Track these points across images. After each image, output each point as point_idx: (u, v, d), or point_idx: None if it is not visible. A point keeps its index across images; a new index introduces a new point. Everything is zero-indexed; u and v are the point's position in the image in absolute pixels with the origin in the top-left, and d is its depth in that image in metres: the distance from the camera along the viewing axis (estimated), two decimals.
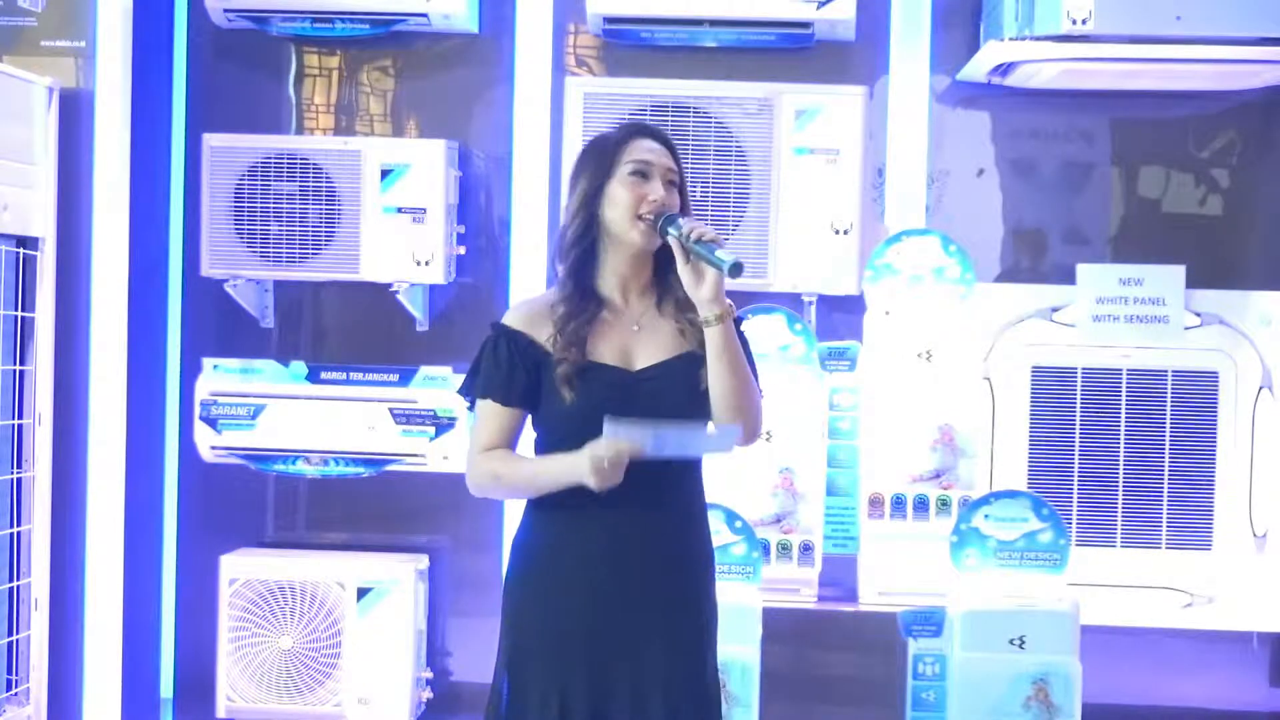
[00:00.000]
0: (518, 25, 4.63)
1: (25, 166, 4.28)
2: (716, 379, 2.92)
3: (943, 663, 4.11)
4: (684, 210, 3.01)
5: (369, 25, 4.56)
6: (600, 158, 3.01)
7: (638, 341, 2.98)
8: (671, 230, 2.90)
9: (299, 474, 4.59)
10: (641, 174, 2.97)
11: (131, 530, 4.55)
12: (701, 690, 3.01)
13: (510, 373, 2.99)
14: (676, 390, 2.93)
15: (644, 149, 2.99)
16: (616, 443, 2.81)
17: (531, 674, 3.00)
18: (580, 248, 3.00)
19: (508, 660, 3.05)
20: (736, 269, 2.82)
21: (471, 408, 3.05)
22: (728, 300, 2.90)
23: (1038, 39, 4.13)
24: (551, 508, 2.99)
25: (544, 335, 2.99)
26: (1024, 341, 4.45)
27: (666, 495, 2.98)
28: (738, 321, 3.04)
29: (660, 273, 3.04)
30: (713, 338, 2.90)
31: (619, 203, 2.96)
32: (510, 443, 3.03)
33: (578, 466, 2.86)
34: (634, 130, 3.05)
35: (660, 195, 2.95)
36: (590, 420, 2.91)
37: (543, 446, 3.03)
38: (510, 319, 3.05)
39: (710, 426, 2.93)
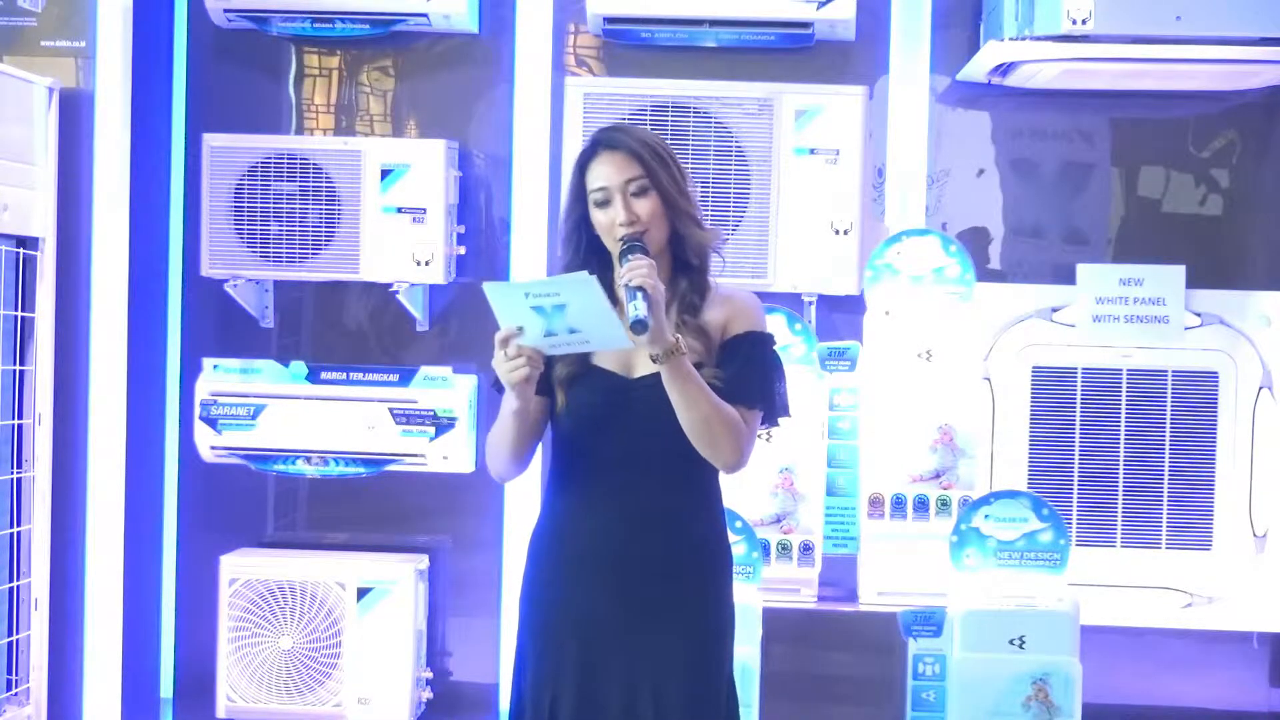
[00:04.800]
0: (518, 25, 4.63)
1: (25, 166, 4.28)
2: (677, 412, 2.87)
3: (943, 663, 4.11)
4: (670, 205, 2.93)
5: (369, 25, 4.56)
6: (574, 185, 2.98)
7: (641, 349, 2.97)
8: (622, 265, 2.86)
9: (299, 474, 4.59)
10: (604, 202, 2.94)
11: (131, 530, 4.55)
12: (699, 694, 2.99)
13: None
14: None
15: (596, 175, 2.94)
16: (507, 330, 2.79)
17: (530, 665, 3.03)
18: (575, 268, 2.97)
19: (515, 650, 3.08)
20: (636, 326, 2.74)
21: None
22: (672, 338, 2.82)
23: (1038, 39, 4.13)
24: (559, 500, 3.02)
25: None
26: (1024, 341, 4.45)
27: (673, 495, 2.98)
28: (770, 341, 3.02)
29: (673, 280, 3.00)
30: (664, 374, 2.85)
31: (601, 231, 2.96)
32: None
33: (503, 375, 2.84)
34: (591, 150, 2.97)
35: (623, 218, 2.90)
36: (584, 423, 2.96)
37: (554, 443, 3.06)
38: None
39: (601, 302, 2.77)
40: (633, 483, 2.95)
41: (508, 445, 2.95)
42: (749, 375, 2.96)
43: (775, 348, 3.05)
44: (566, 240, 3.03)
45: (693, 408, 2.86)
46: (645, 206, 2.93)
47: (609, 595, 2.96)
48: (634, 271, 2.81)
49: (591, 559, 2.96)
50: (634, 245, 2.88)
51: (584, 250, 3.00)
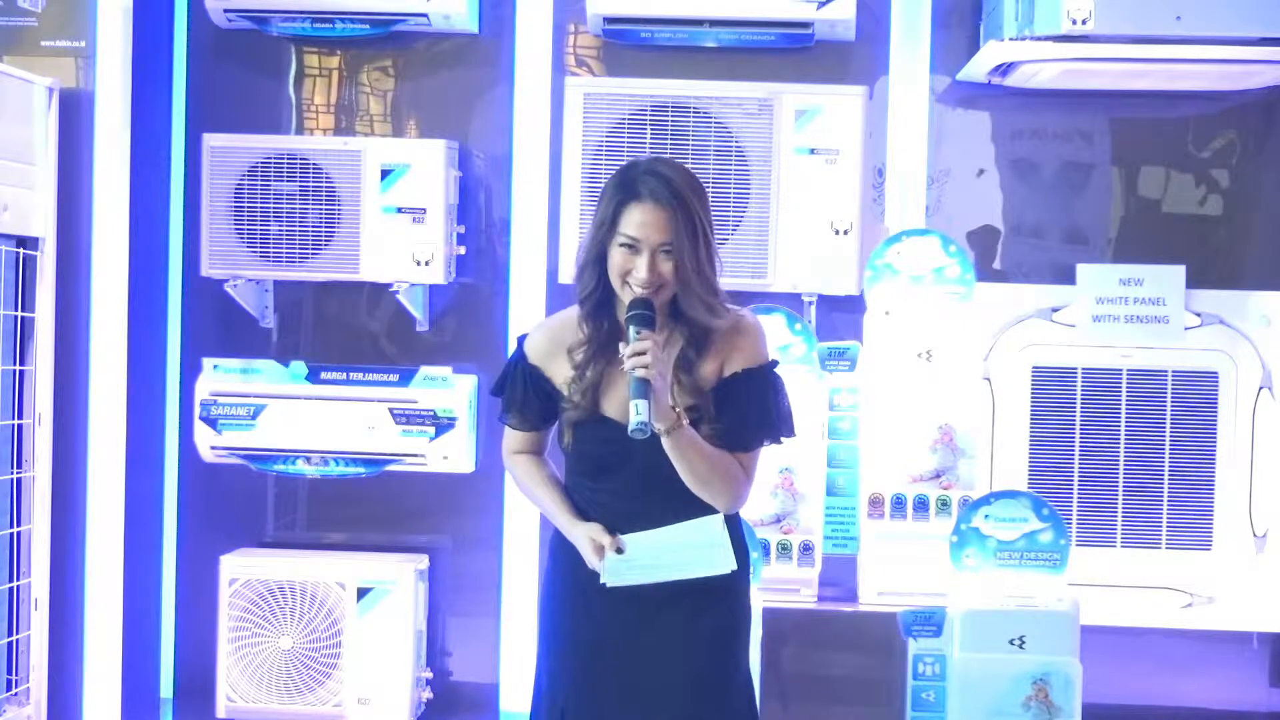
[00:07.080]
0: (518, 25, 4.63)
1: (25, 166, 4.28)
2: (677, 469, 2.92)
3: (943, 663, 4.11)
4: (691, 265, 2.92)
5: (369, 25, 4.56)
6: (604, 215, 2.96)
7: None
8: (631, 333, 2.88)
9: (299, 474, 4.59)
10: (632, 249, 2.93)
11: (131, 530, 4.55)
12: (711, 699, 3.01)
13: (525, 403, 3.09)
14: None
15: (635, 222, 2.91)
16: (612, 541, 2.95)
17: (547, 673, 3.07)
18: (594, 299, 3.00)
19: (536, 656, 3.13)
20: (636, 431, 2.80)
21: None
22: (675, 411, 2.87)
23: (1038, 39, 4.13)
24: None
25: (559, 372, 3.03)
26: (1024, 341, 4.46)
27: (690, 507, 2.99)
28: (768, 374, 3.02)
29: (673, 329, 3.01)
30: (666, 446, 2.89)
31: (613, 268, 2.95)
32: (540, 447, 3.18)
33: (578, 542, 2.99)
34: (635, 193, 2.93)
35: (642, 276, 2.90)
36: (590, 467, 3.02)
37: (566, 467, 3.11)
38: (530, 346, 3.08)
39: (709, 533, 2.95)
40: (666, 489, 2.96)
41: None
42: (746, 420, 2.99)
43: (776, 372, 3.05)
44: (584, 270, 3.01)
45: (693, 471, 2.92)
46: (670, 267, 2.93)
47: (623, 621, 2.99)
48: (637, 358, 2.82)
49: (610, 590, 2.98)
50: (641, 315, 2.88)
51: (600, 286, 2.99)
